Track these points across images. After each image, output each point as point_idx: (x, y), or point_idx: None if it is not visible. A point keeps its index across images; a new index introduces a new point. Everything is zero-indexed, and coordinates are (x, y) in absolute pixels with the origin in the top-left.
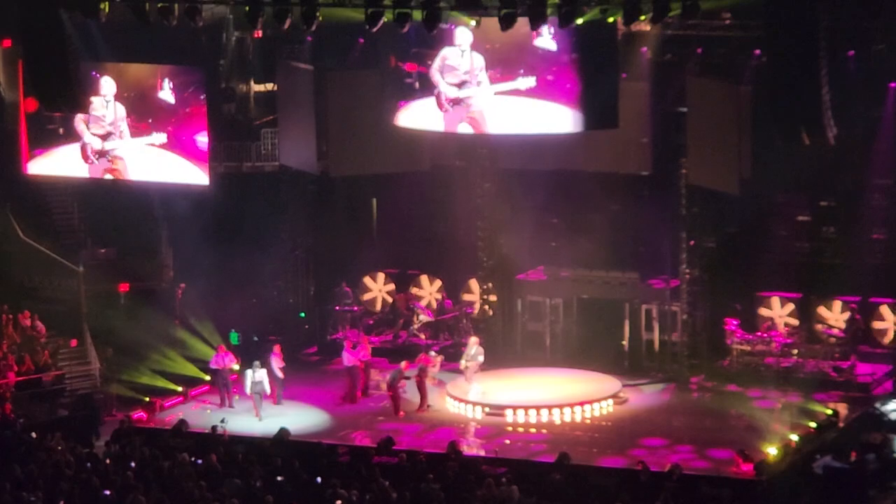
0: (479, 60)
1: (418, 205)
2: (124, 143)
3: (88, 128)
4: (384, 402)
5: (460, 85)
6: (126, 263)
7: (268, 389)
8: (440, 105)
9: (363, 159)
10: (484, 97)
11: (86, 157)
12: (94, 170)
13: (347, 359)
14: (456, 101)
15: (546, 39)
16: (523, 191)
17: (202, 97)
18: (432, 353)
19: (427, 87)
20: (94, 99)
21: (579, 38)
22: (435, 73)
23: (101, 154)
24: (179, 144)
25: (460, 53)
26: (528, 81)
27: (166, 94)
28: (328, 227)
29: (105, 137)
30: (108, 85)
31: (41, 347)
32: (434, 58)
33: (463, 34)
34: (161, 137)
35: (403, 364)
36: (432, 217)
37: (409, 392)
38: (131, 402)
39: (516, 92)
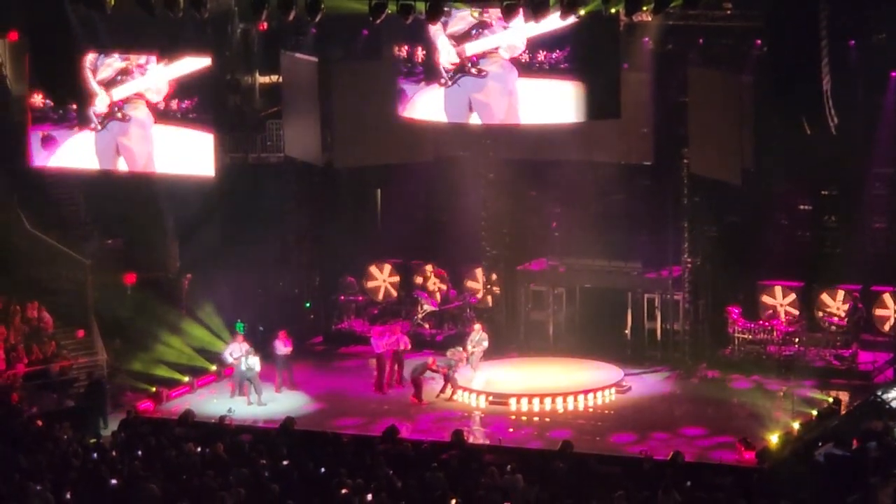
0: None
1: (422, 195)
2: (146, 81)
3: (95, 74)
4: (402, 391)
5: (469, 32)
6: (132, 254)
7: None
8: (437, 75)
9: (367, 150)
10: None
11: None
12: (101, 145)
13: (375, 346)
14: (461, 68)
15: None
16: (526, 181)
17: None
18: (459, 349)
19: (425, 73)
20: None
21: (582, 29)
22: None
23: (109, 114)
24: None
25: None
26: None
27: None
28: (333, 218)
29: (115, 81)
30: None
31: (48, 338)
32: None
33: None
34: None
35: (431, 360)
36: (436, 207)
37: (434, 383)
38: (138, 392)
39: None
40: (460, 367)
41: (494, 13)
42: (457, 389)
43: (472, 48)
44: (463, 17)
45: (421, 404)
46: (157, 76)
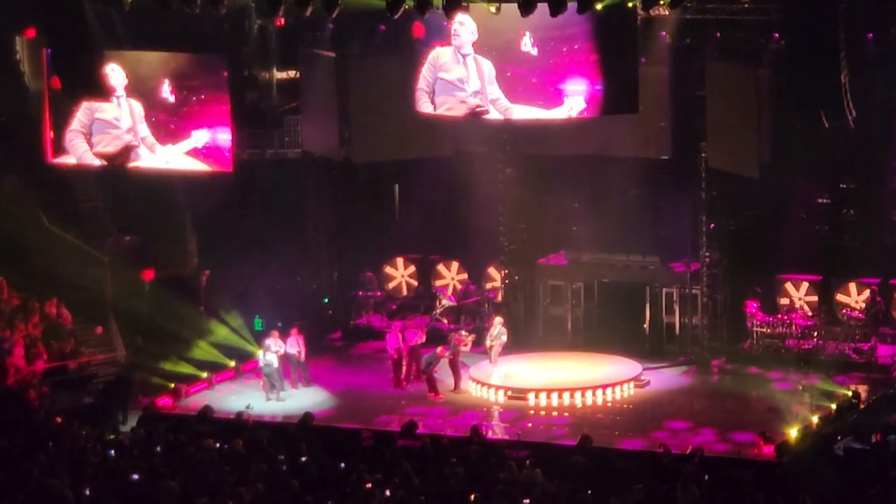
0: (487, 67)
1: (440, 190)
2: (158, 157)
3: (92, 145)
4: (421, 385)
5: (471, 113)
6: (151, 250)
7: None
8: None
9: (385, 145)
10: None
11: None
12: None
13: (394, 341)
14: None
15: (528, 45)
16: (544, 176)
17: (202, 96)
18: (463, 333)
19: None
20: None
21: (599, 24)
22: (421, 97)
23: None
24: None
25: (459, 59)
26: (578, 103)
27: (166, 94)
28: (351, 213)
29: (123, 155)
30: (116, 75)
31: (67, 335)
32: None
33: (464, 29)
34: (202, 135)
35: (440, 349)
36: (454, 202)
37: (442, 372)
38: (157, 388)
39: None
40: (461, 349)
41: (487, 74)
42: (460, 378)
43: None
44: (463, 101)
45: (438, 398)
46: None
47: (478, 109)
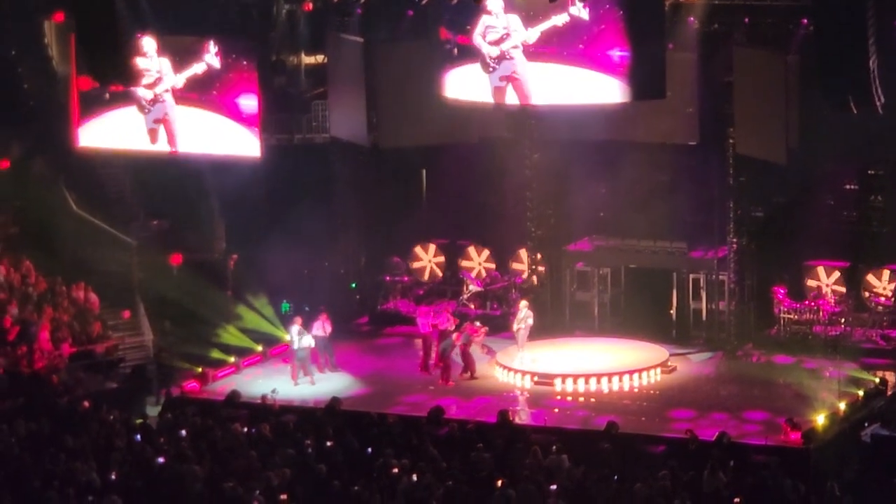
0: (514, 19)
1: (467, 176)
2: (174, 79)
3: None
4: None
5: (501, 39)
6: (178, 235)
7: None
8: (485, 66)
9: (413, 131)
10: (527, 41)
11: (141, 109)
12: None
13: (422, 326)
14: (500, 58)
15: (579, 8)
16: (571, 161)
17: (246, 63)
18: (477, 324)
19: (467, 55)
20: (137, 60)
21: (627, 9)
22: (477, 37)
23: (154, 101)
24: (225, 107)
25: (496, 16)
26: (562, 17)
27: (211, 58)
28: (378, 199)
29: (154, 84)
30: (148, 44)
31: (94, 319)
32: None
33: (493, 1)
34: (201, 66)
35: (455, 336)
36: (481, 188)
37: (455, 361)
38: (184, 372)
39: (558, 56)
40: (475, 339)
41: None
42: (473, 367)
43: (505, 45)
44: (497, 30)
45: (448, 385)
46: (178, 78)
47: (504, 32)
